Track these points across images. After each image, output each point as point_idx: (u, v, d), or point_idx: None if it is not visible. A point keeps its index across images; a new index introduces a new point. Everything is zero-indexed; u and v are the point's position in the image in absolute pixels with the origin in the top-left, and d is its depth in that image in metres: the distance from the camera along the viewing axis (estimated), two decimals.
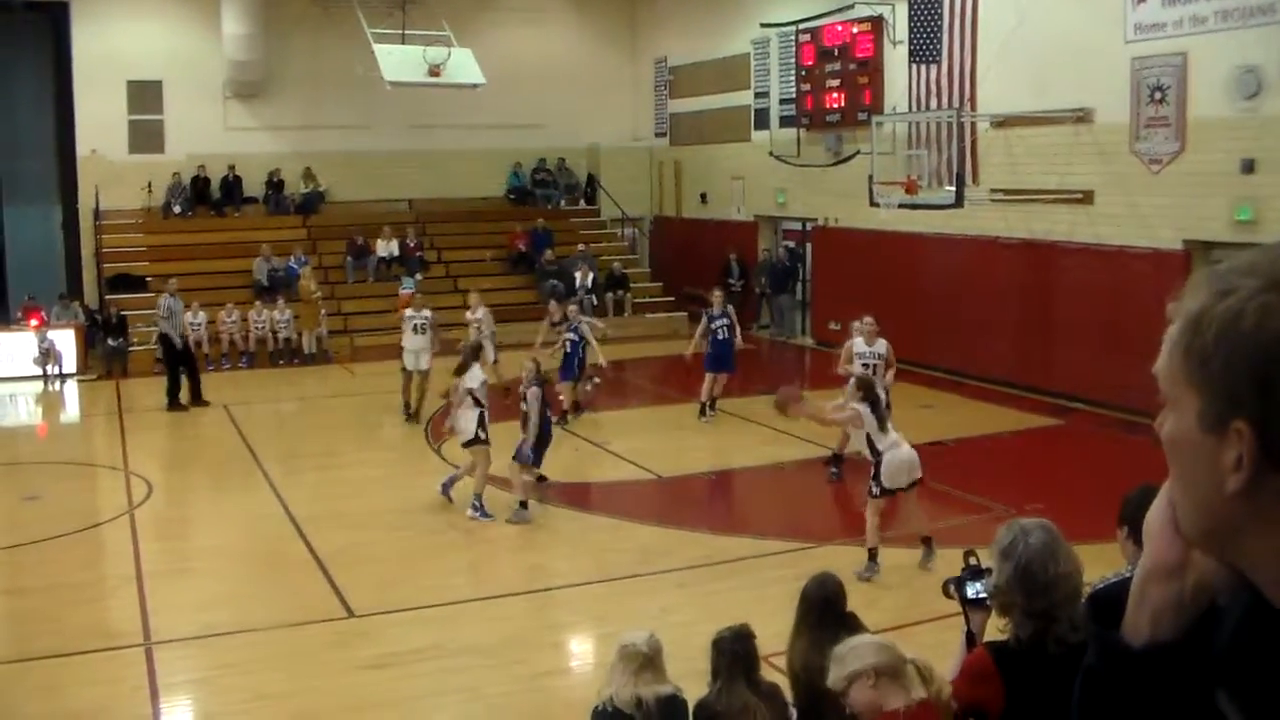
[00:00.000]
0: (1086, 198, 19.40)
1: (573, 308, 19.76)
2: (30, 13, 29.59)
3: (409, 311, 20.14)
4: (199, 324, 25.03)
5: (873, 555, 11.67)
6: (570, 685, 9.36)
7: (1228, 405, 1.25)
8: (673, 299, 29.96)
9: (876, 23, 24.05)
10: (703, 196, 31.16)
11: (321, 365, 25.71)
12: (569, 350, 18.31)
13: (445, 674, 9.79)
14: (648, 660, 6.26)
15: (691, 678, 6.47)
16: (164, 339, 21.44)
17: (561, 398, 18.29)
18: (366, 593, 11.57)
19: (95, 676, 10.02)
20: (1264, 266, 1.26)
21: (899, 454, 11.77)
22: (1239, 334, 1.24)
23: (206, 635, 10.71)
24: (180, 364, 21.24)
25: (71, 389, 24.22)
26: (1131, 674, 1.42)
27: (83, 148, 29.72)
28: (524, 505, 13.86)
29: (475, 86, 25.83)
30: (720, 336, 18.79)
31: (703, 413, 18.81)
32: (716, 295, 19.68)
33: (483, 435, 14.00)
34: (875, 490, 11.76)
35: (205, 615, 11.19)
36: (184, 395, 20.93)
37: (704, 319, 19.31)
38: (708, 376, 18.81)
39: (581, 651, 10.71)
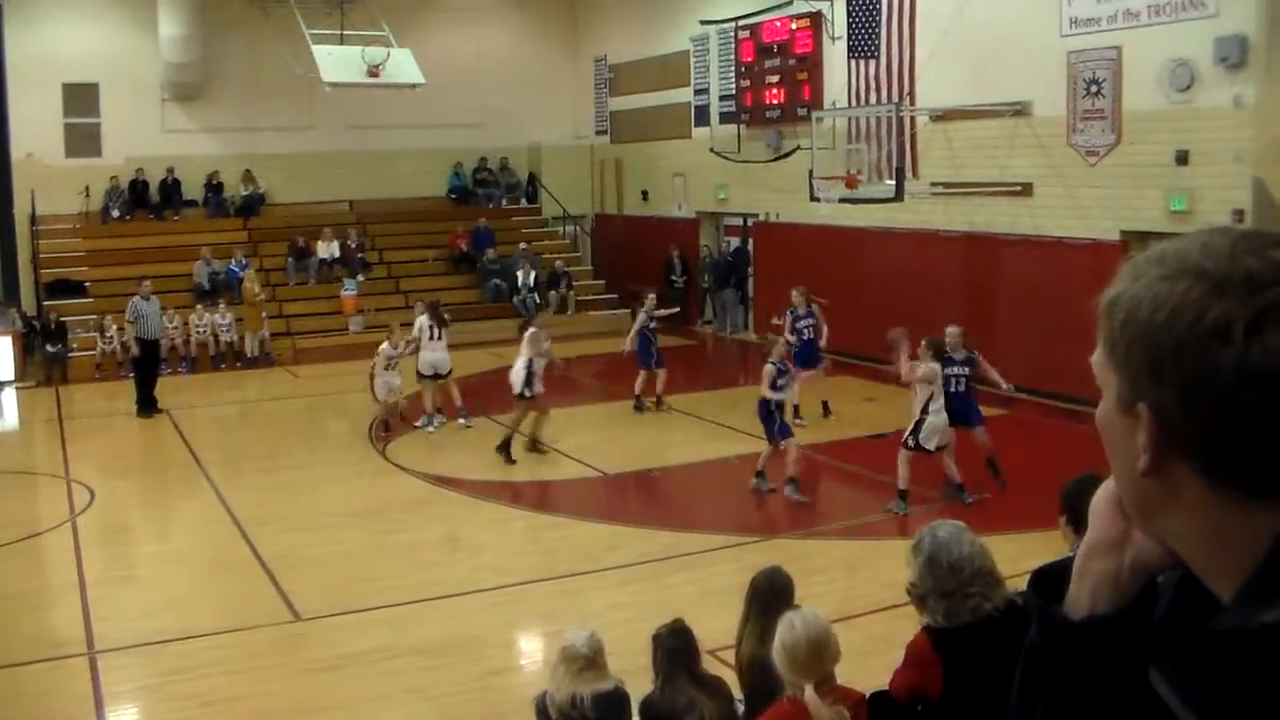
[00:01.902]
0: (1026, 190, 19.63)
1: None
2: None
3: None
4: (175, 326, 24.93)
5: (903, 495, 13.43)
6: (520, 684, 9.34)
7: (1132, 389, 1.30)
8: (615, 296, 29.98)
9: (815, 18, 24.17)
10: (644, 194, 31.22)
11: (264, 368, 25.58)
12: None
13: (394, 675, 9.75)
14: (589, 661, 6.28)
15: (639, 674, 6.49)
16: (138, 342, 21.23)
17: None
18: (313, 596, 11.52)
19: (39, 687, 9.94)
20: (1170, 256, 1.30)
21: (939, 420, 13.22)
22: (1136, 321, 1.28)
23: (152, 642, 10.62)
24: (151, 368, 21.21)
25: (9, 396, 23.91)
26: (1069, 647, 1.45)
27: (18, 151, 29.34)
28: None
29: (414, 86, 25.76)
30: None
31: (640, 408, 18.95)
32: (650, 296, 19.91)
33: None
34: (911, 444, 13.35)
35: (150, 622, 11.10)
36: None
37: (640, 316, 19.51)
38: (643, 374, 19.09)
39: (530, 650, 10.71)
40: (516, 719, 7.59)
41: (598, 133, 33.13)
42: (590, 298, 29.98)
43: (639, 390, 19.16)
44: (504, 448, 16.41)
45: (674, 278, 28.92)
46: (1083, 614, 1.44)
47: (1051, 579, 1.52)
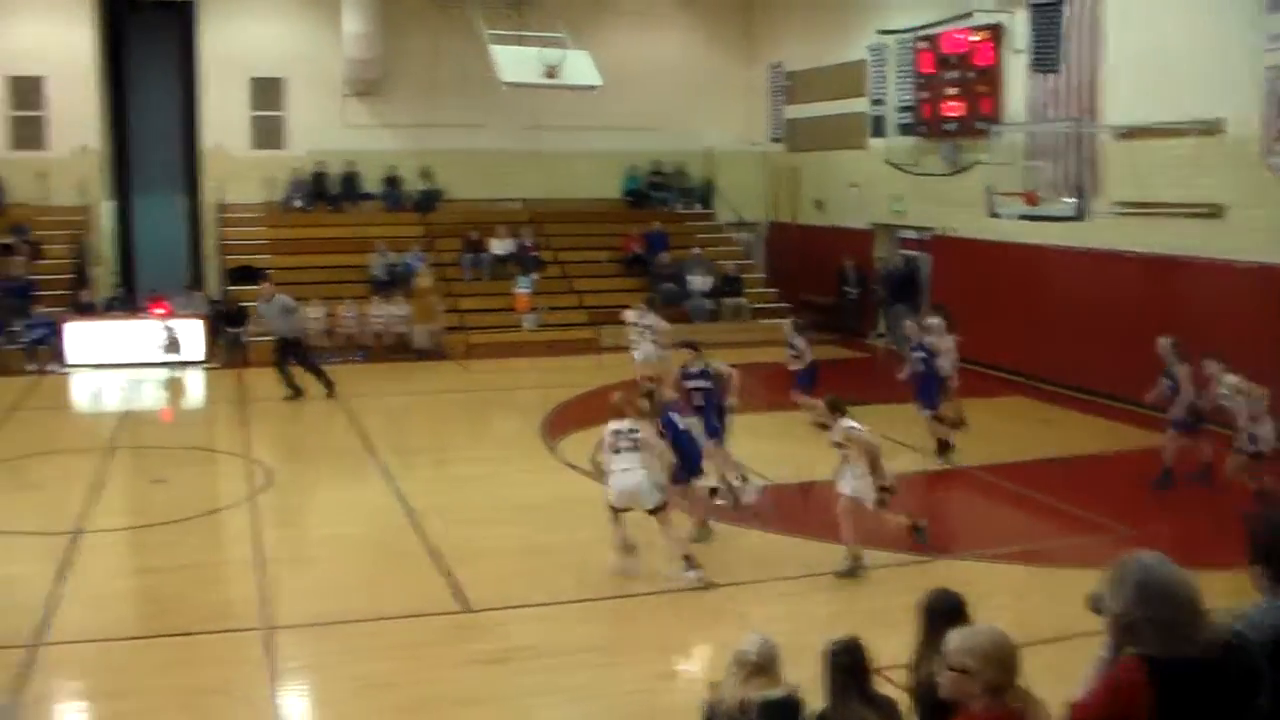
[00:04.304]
0: (1215, 211, 18.84)
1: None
2: (160, 11, 30.25)
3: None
4: (318, 317, 25.57)
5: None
6: (680, 688, 9.34)
7: None
8: (788, 305, 29.82)
9: (996, 31, 23.75)
10: (818, 203, 31.02)
11: (436, 361, 26.00)
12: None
13: (556, 671, 9.80)
14: (758, 667, 6.24)
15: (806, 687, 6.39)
16: (275, 340, 22.07)
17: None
18: (482, 587, 11.64)
19: (216, 656, 10.23)
20: None
21: None
22: None
23: (323, 623, 10.86)
24: (299, 361, 21.89)
25: (195, 377, 24.72)
26: None
27: (207, 142, 30.43)
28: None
29: (592, 89, 25.89)
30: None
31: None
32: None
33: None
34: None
35: (322, 603, 11.36)
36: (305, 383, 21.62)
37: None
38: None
39: (692, 655, 10.63)
40: None
41: (772, 139, 32.98)
42: (763, 305, 29.76)
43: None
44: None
45: (847, 289, 28.71)
46: None
47: None
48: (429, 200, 31.15)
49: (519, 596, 11.45)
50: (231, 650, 10.35)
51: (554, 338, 26.80)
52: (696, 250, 30.42)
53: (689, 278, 29.38)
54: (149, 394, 23.71)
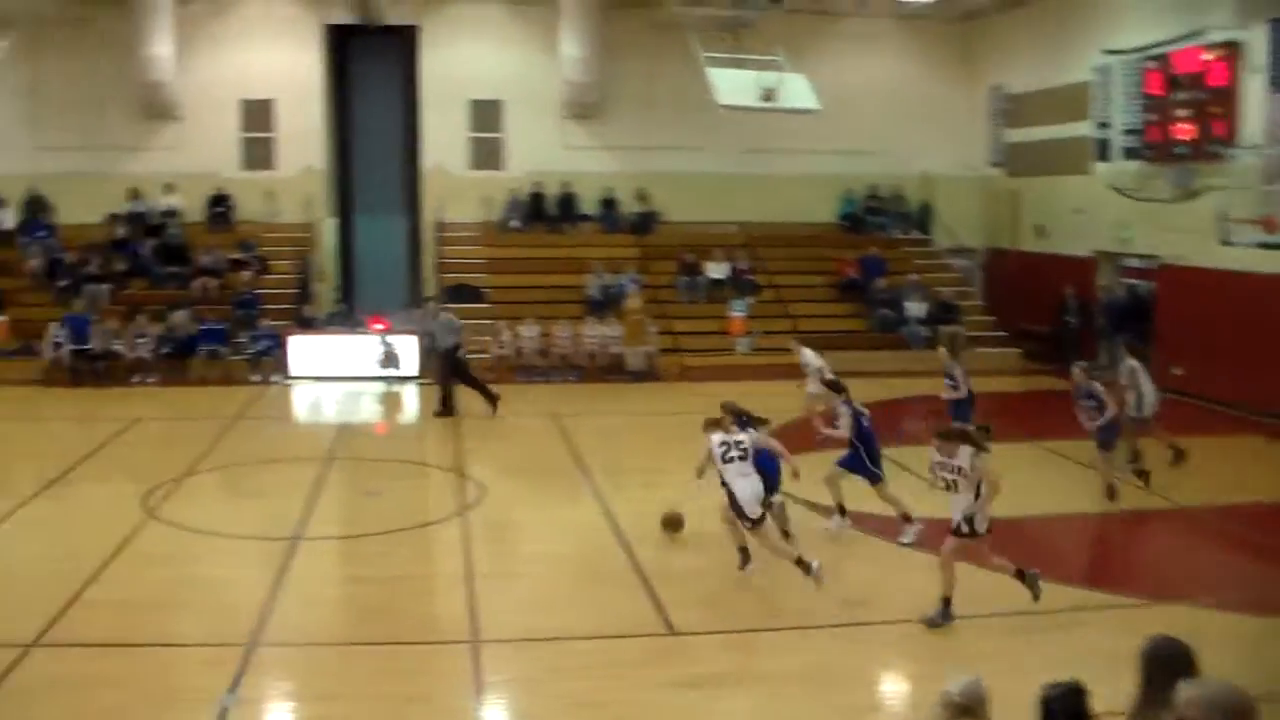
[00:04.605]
0: None
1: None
2: (383, 35, 31.11)
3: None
4: (533, 336, 25.92)
5: None
6: None
7: None
8: (1005, 334, 29.17)
9: (1232, 48, 22.78)
10: (1039, 229, 30.28)
11: (649, 383, 26.05)
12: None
13: (757, 699, 9.68)
14: (964, 709, 5.91)
15: None
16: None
17: None
18: (687, 610, 11.56)
19: (422, 666, 10.39)
20: None
21: None
22: None
23: (530, 639, 10.92)
24: (460, 374, 22.54)
25: (411, 392, 25.22)
26: None
27: (427, 162, 31.16)
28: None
29: (809, 112, 25.68)
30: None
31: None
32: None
33: None
34: None
35: (530, 619, 11.43)
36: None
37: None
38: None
39: (897, 691, 10.35)
40: None
41: (992, 164, 32.29)
42: (980, 334, 29.03)
43: None
44: None
45: (1068, 318, 27.92)
46: None
47: None
48: (645, 222, 31.31)
49: (722, 622, 11.35)
50: (437, 661, 10.49)
51: (768, 362, 26.59)
52: (913, 276, 29.94)
53: (905, 304, 28.93)
54: (366, 407, 24.28)
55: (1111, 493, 15.91)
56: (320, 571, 13.32)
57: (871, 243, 30.97)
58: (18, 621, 11.03)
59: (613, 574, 12.85)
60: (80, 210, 29.52)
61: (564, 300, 28.52)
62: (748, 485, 12.06)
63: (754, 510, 12.04)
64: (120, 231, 29.21)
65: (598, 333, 26.94)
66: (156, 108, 29.83)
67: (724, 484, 12.17)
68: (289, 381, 25.65)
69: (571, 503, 16.03)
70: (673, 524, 14.09)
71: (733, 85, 25.18)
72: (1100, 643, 10.30)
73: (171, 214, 29.68)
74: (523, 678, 10.19)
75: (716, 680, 10.02)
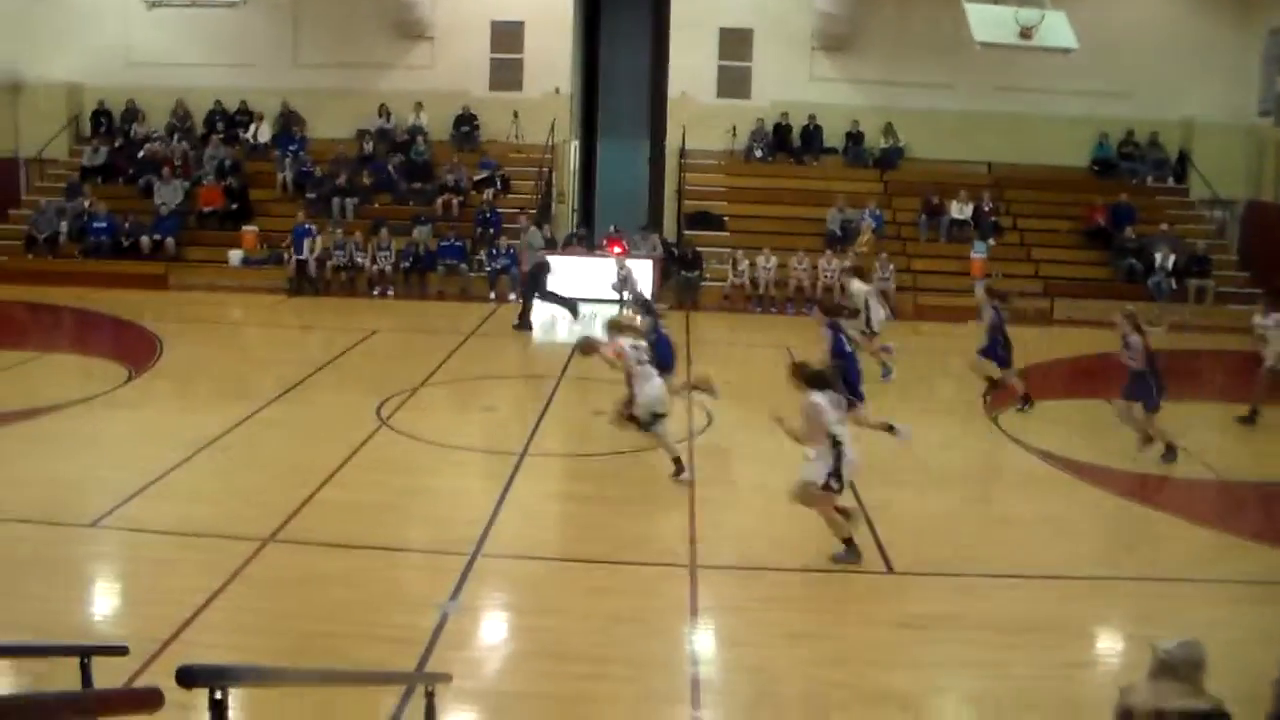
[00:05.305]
0: None
1: None
2: None
3: None
4: (770, 267, 25.75)
5: None
6: (1099, 681, 8.72)
7: None
8: (1259, 291, 27.83)
9: None
10: None
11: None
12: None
13: (969, 645, 9.46)
14: (1176, 673, 5.62)
15: (1240, 703, 5.74)
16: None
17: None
18: (906, 551, 11.37)
19: (637, 587, 10.49)
20: None
21: None
22: None
23: (748, 567, 10.92)
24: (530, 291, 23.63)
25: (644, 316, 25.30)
26: None
27: (673, 89, 31.05)
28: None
29: (1067, 51, 24.79)
30: None
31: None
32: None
33: None
34: None
35: (748, 547, 11.44)
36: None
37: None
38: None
39: (1117, 649, 9.92)
40: (1091, 716, 7.05)
41: (1260, 113, 30.64)
42: (1231, 290, 27.77)
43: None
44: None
45: None
46: None
47: None
48: (890, 158, 30.77)
49: (939, 563, 11.14)
50: (653, 583, 10.54)
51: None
52: (1164, 226, 28.68)
53: (1154, 254, 27.83)
54: (599, 329, 24.45)
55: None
56: (543, 487, 13.53)
57: (1122, 189, 29.72)
58: (256, 518, 11.50)
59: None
60: (331, 126, 30.54)
61: (803, 232, 28.29)
62: (651, 387, 13.40)
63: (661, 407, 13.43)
64: (368, 147, 30.01)
65: (834, 266, 26.64)
66: (409, 27, 30.46)
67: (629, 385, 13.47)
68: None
69: None
70: (585, 349, 14.58)
71: (990, 21, 24.44)
72: None
73: (418, 131, 30.33)
74: (736, 605, 10.16)
75: (929, 622, 9.84)
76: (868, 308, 19.10)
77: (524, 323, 23.11)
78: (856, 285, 19.65)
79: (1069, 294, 26.79)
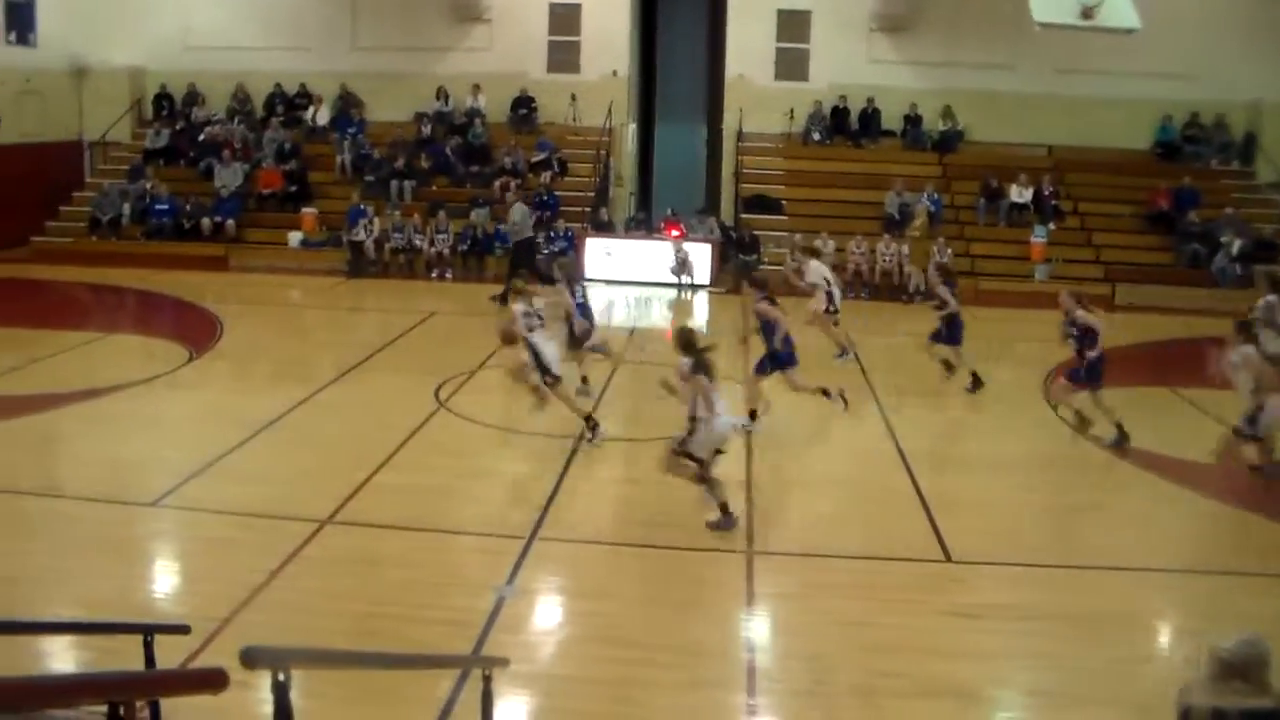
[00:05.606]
0: None
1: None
2: None
3: None
4: (829, 252, 25.62)
5: None
6: (1153, 675, 8.61)
7: None
8: None
9: None
10: None
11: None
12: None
13: (1028, 636, 9.39)
14: (1235, 671, 5.49)
15: None
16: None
17: None
18: (966, 539, 11.29)
19: (694, 574, 10.51)
20: None
21: None
22: None
23: (804, 554, 10.90)
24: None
25: (702, 299, 25.32)
26: None
27: (731, 72, 30.94)
28: None
29: (1129, 32, 24.45)
30: None
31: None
32: None
33: None
34: None
35: (805, 534, 11.45)
36: None
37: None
38: None
39: (1174, 643, 9.73)
40: (1152, 713, 6.94)
41: None
42: None
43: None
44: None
45: None
46: None
47: None
48: (949, 141, 30.51)
49: (999, 553, 11.06)
50: (710, 569, 10.56)
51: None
52: (1229, 210, 28.29)
53: (1219, 239, 27.44)
54: (656, 312, 24.48)
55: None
56: (601, 472, 13.55)
57: (1186, 172, 29.28)
58: (314, 499, 11.59)
59: (892, 496, 12.65)
60: (389, 108, 30.68)
61: (861, 216, 28.13)
62: (550, 348, 14.31)
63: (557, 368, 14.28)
64: (426, 130, 30.11)
65: (892, 250, 26.49)
66: (467, 9, 30.52)
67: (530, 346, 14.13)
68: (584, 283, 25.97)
69: (856, 420, 15.78)
70: (506, 338, 14.88)
71: (1050, 2, 24.16)
72: None
73: (476, 114, 30.38)
74: (794, 592, 10.15)
75: (988, 612, 9.76)
76: (829, 284, 18.91)
77: (505, 299, 22.90)
78: (814, 265, 19.48)
79: (1130, 279, 26.47)
